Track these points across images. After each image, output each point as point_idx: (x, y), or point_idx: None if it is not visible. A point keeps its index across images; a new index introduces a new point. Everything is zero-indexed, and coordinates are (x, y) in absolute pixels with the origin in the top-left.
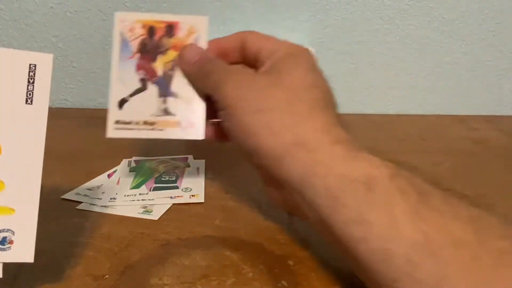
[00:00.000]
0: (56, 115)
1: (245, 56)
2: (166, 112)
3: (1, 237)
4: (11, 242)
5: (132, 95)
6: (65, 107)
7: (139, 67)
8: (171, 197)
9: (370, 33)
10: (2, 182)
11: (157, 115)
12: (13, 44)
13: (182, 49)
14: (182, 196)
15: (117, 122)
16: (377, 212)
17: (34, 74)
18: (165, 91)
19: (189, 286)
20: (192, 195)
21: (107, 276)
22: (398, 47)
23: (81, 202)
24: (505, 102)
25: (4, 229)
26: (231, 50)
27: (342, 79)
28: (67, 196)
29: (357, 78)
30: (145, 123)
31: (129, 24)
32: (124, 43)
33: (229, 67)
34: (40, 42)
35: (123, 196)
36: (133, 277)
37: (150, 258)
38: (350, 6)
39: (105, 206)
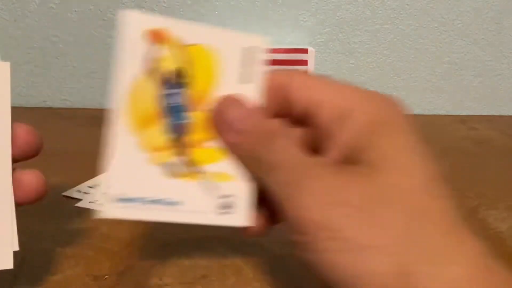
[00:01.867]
0: (56, 115)
1: (288, 111)
2: None
3: None
4: None
5: None
6: (65, 107)
7: None
8: None
9: (370, 33)
10: None
11: None
12: (13, 44)
13: (219, 104)
14: None
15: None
16: None
17: None
18: None
19: (189, 286)
20: None
21: (107, 276)
22: (398, 47)
23: (81, 200)
24: (505, 102)
25: None
26: (272, 103)
27: (342, 79)
28: (67, 193)
29: (357, 78)
30: None
31: None
32: None
33: (299, 163)
34: (40, 42)
35: None
36: (133, 277)
37: (150, 258)
38: (350, 6)
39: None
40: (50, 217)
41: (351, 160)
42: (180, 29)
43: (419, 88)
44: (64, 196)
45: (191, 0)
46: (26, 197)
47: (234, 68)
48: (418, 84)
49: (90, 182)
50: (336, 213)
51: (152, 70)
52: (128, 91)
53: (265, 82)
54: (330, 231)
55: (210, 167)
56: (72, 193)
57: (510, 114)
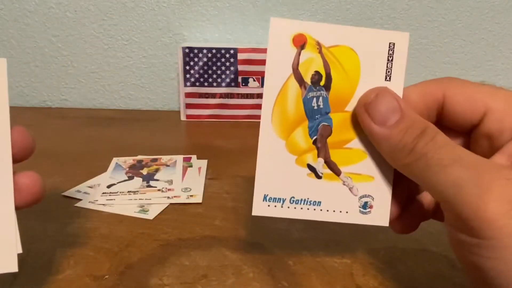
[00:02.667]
0: (56, 115)
1: (443, 120)
2: None
3: None
4: None
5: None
6: (65, 107)
7: (126, 172)
8: (168, 197)
9: None
10: None
11: None
12: (13, 44)
13: (368, 95)
14: (179, 196)
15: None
16: None
17: None
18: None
19: (189, 286)
20: (191, 195)
21: (107, 276)
22: None
23: (81, 200)
24: None
25: None
26: (423, 112)
27: None
28: (67, 193)
29: None
30: None
31: (123, 159)
32: (117, 166)
33: (473, 160)
34: (40, 42)
35: (122, 195)
36: (133, 277)
37: (150, 258)
38: (350, 6)
39: (103, 204)
40: (50, 217)
41: None
42: (322, 32)
43: None
44: (64, 196)
45: (190, 0)
46: (23, 201)
47: (377, 66)
48: None
49: (89, 182)
50: None
51: (296, 74)
52: (276, 96)
53: (416, 88)
54: None
55: (349, 168)
56: (72, 193)
57: None
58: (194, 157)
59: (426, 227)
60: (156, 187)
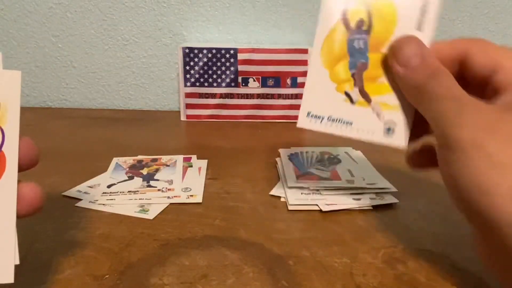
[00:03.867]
0: (56, 115)
1: (465, 72)
2: None
3: None
4: None
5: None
6: (65, 107)
7: (127, 172)
8: (168, 197)
9: None
10: None
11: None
12: (13, 44)
13: (397, 41)
14: (179, 196)
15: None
16: None
17: None
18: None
19: (189, 286)
20: (191, 195)
21: (107, 276)
22: None
23: (81, 200)
24: None
25: None
26: (447, 61)
27: None
28: (67, 193)
29: None
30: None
31: (123, 160)
32: (117, 166)
33: (462, 97)
34: (40, 42)
35: (122, 195)
36: (133, 277)
37: (150, 258)
38: None
39: (103, 204)
40: (50, 217)
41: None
42: None
43: None
44: (64, 196)
45: (190, 0)
46: (22, 211)
47: (412, 17)
48: None
49: (90, 182)
50: (488, 137)
51: (344, 19)
52: (326, 35)
53: (446, 42)
54: (478, 149)
55: (379, 98)
56: (72, 193)
57: None
58: (194, 157)
59: (426, 227)
60: (156, 187)
